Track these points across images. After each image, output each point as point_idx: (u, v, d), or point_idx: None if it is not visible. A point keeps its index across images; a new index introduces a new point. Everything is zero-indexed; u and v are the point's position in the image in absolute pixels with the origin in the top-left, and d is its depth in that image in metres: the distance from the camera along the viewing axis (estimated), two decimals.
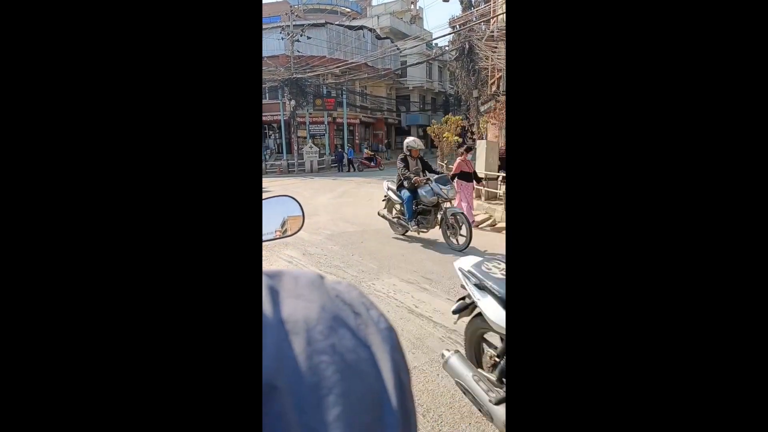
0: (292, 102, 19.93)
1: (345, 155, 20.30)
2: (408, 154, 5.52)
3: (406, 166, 5.44)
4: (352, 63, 21.58)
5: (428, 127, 14.96)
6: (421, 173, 5.39)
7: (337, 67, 20.73)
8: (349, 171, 19.71)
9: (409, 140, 5.63)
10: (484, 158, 8.12)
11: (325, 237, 5.86)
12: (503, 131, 14.62)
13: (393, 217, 5.76)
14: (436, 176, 5.27)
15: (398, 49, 25.33)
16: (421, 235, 5.44)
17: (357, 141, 25.13)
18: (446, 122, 14.17)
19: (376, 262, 4.58)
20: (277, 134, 23.46)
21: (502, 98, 13.97)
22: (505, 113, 13.00)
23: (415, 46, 25.66)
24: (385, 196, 5.96)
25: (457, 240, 4.93)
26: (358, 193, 11.14)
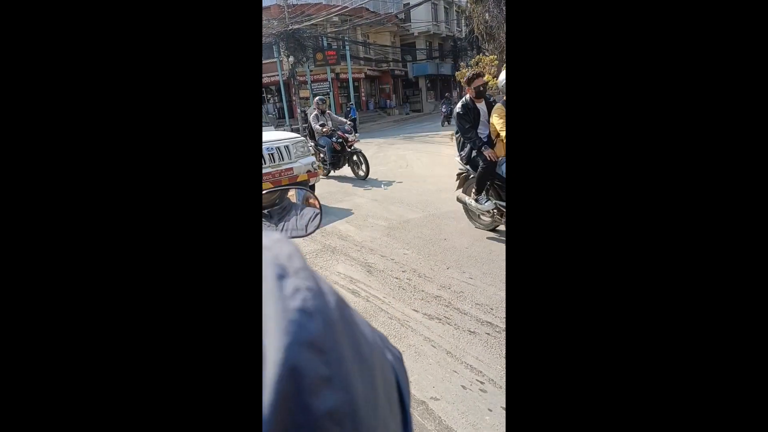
0: (291, 59, 17.53)
1: (349, 114, 18.19)
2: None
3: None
4: (352, 7, 18.98)
5: (458, 72, 12.72)
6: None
7: (336, 13, 18.20)
8: (355, 133, 17.62)
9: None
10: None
11: (382, 232, 4.07)
12: None
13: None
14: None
15: None
16: None
17: (363, 98, 22.82)
18: (477, 64, 11.97)
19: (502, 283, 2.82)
20: (276, 97, 21.18)
21: None
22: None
23: None
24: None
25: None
26: (386, 159, 9.18)
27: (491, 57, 12.29)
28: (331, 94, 19.89)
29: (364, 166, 6.68)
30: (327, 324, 0.17)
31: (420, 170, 7.42)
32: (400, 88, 27.45)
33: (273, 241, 0.21)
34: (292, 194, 0.88)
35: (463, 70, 12.35)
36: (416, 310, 2.54)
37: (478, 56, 12.71)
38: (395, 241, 3.77)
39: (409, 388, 0.26)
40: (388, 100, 25.09)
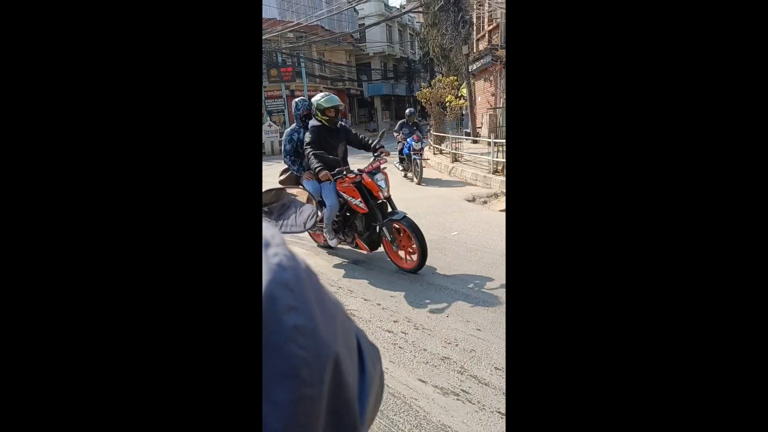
0: None
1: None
2: None
3: None
4: (307, 24, 18.56)
5: (418, 92, 12.47)
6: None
7: (291, 29, 17.68)
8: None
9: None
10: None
11: (359, 267, 3.49)
12: (500, 89, 12.51)
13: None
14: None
15: (355, 10, 22.40)
16: None
17: None
18: (434, 85, 11.79)
19: None
20: None
21: (501, 52, 11.76)
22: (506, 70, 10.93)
23: (374, 14, 22.80)
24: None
25: None
26: None
27: (451, 78, 12.21)
28: (285, 111, 19.17)
29: None
30: (297, 277, 0.23)
31: (391, 192, 6.94)
32: (356, 107, 27.18)
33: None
34: (294, 192, 1.38)
35: (425, 90, 12.17)
36: (423, 381, 1.98)
37: (438, 77, 12.62)
38: (375, 279, 3.21)
39: (377, 361, 0.32)
40: (344, 119, 24.66)
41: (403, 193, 6.77)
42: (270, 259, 0.23)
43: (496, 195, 6.20)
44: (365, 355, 0.30)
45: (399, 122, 8.33)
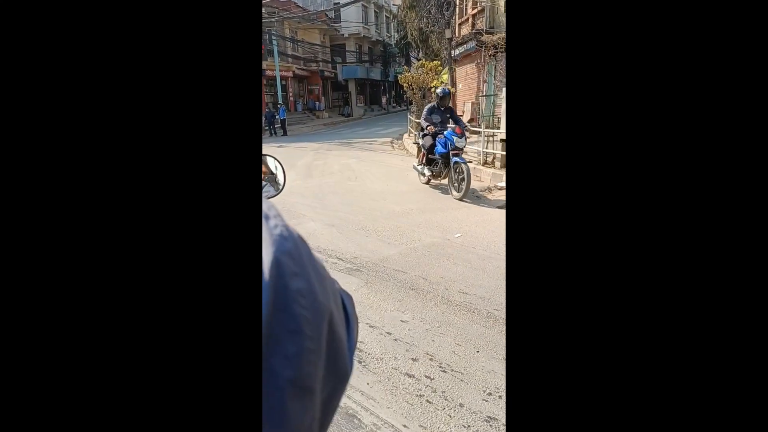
0: None
1: (276, 115, 16.48)
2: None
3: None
4: (279, 0, 17.45)
5: (401, 75, 11.82)
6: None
7: (263, 5, 16.54)
8: (284, 135, 16.03)
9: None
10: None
11: (356, 279, 2.93)
12: (484, 76, 12.01)
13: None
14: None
15: None
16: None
17: (291, 98, 21.21)
18: (418, 69, 11.19)
19: None
20: None
21: (486, 37, 11.25)
22: (503, 54, 10.32)
23: None
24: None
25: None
26: (329, 168, 7.97)
27: (435, 63, 11.65)
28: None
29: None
30: (296, 245, 0.26)
31: (373, 184, 6.35)
32: (330, 90, 26.18)
33: None
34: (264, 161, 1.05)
35: (407, 74, 11.55)
36: None
37: (420, 61, 12.01)
38: (380, 297, 2.66)
39: (353, 308, 0.36)
40: (317, 102, 23.64)
41: (408, 202, 6.20)
42: (272, 230, 0.25)
43: (489, 189, 5.75)
44: (347, 307, 0.34)
45: (427, 106, 5.79)
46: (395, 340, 2.20)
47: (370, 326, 2.33)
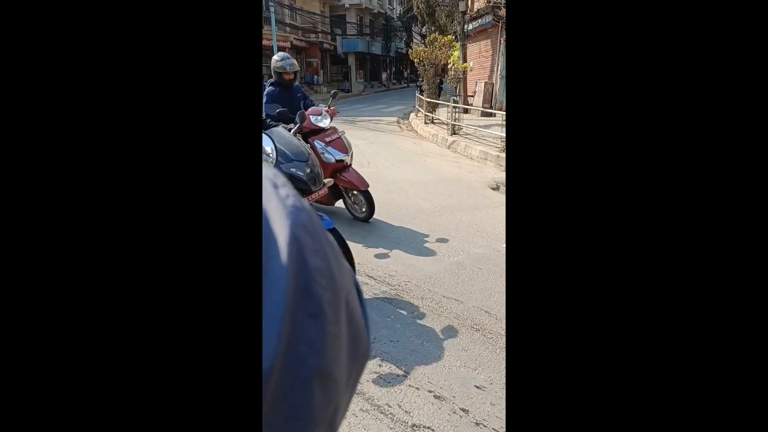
0: None
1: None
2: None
3: None
4: None
5: (411, 51, 10.90)
6: None
7: None
8: None
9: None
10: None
11: (387, 300, 2.24)
12: (500, 55, 11.14)
13: None
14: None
15: None
16: None
17: None
18: (431, 43, 10.29)
19: None
20: None
21: (504, 11, 10.34)
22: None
23: None
24: None
25: None
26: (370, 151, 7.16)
27: (449, 37, 10.72)
28: None
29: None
30: (310, 218, 0.24)
31: (390, 171, 5.58)
32: (329, 63, 24.98)
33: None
34: None
35: (418, 49, 10.63)
36: None
37: (434, 34, 11.07)
38: (436, 344, 1.97)
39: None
40: (315, 76, 22.47)
41: (408, 173, 5.44)
42: (284, 200, 0.23)
43: None
44: (356, 280, 0.32)
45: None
46: (476, 424, 1.52)
47: (435, 396, 1.65)
